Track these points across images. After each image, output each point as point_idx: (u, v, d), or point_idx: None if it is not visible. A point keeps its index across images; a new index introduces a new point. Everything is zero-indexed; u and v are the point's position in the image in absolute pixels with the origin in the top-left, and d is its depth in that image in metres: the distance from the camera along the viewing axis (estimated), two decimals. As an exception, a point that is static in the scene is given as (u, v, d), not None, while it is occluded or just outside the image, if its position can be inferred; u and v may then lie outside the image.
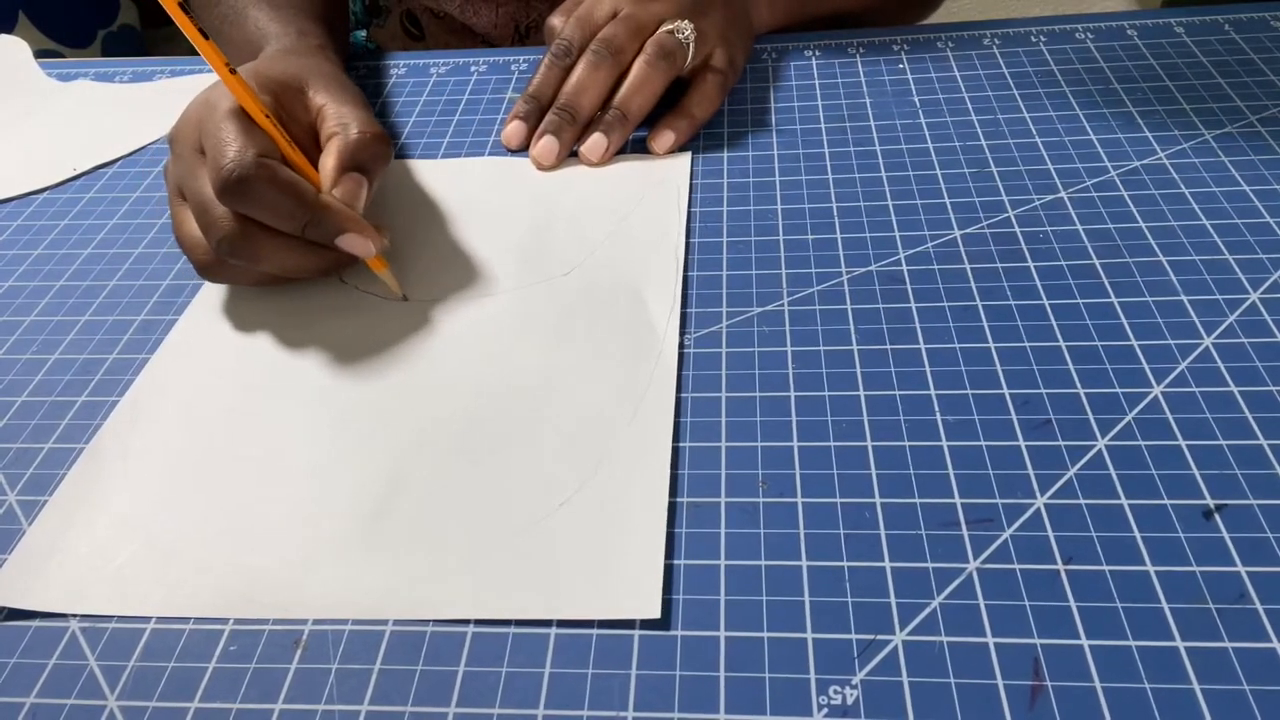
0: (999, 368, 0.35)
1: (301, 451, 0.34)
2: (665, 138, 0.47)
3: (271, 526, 0.32)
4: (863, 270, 0.40)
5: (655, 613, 0.28)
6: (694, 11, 0.48)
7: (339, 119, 0.40)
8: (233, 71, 0.36)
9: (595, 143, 0.46)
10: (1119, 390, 0.33)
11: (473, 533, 0.31)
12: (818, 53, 0.55)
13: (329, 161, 0.39)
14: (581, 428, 0.34)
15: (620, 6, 0.48)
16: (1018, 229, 0.41)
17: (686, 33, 0.47)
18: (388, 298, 0.40)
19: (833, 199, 0.44)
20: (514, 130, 0.48)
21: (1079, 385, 0.34)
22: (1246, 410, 0.32)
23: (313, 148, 0.41)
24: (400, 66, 0.58)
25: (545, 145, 0.47)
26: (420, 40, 0.70)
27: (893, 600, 0.28)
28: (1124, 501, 0.30)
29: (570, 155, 0.48)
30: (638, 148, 0.48)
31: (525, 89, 0.49)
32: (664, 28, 0.47)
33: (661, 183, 0.46)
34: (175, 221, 0.39)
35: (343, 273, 0.42)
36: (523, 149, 0.49)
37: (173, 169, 0.39)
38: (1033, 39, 0.54)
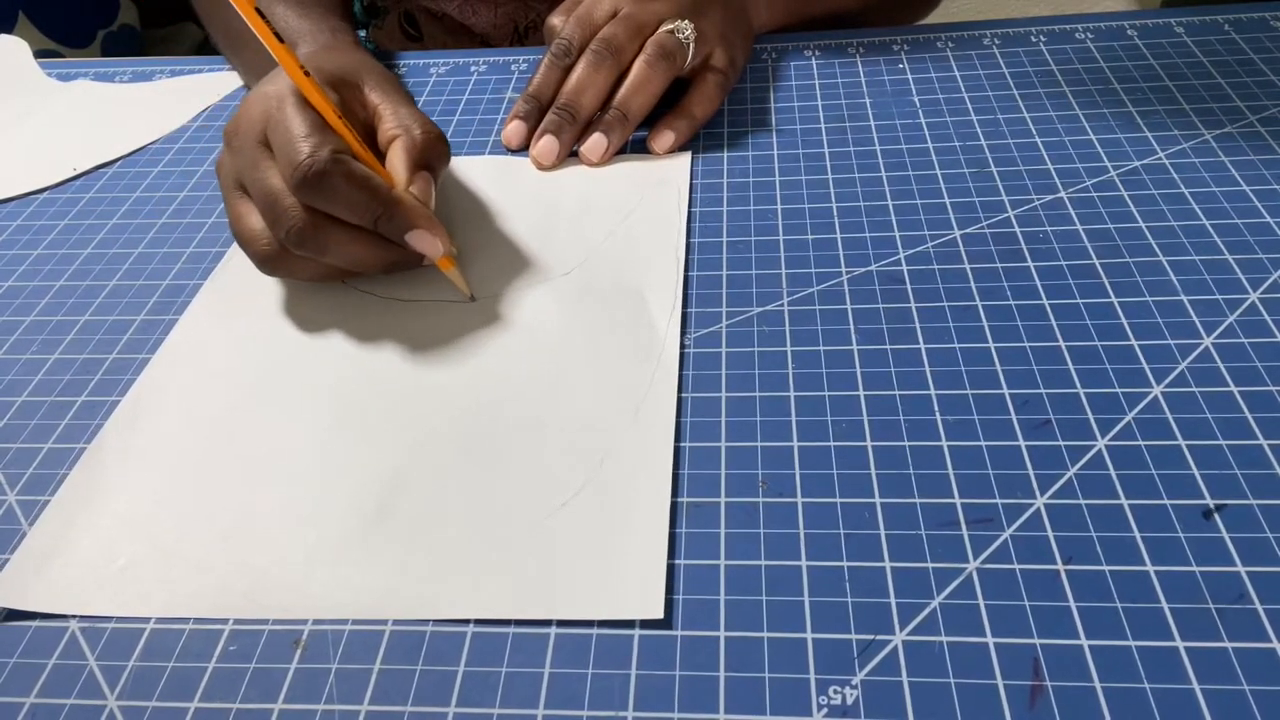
0: (999, 368, 0.35)
1: (302, 451, 0.34)
2: (665, 137, 0.47)
3: (273, 527, 0.32)
4: (862, 270, 0.40)
5: (658, 613, 0.28)
6: (694, 11, 0.48)
7: (399, 119, 0.41)
8: (306, 74, 0.37)
9: (595, 143, 0.46)
10: (1119, 390, 0.33)
11: (474, 533, 0.31)
12: (818, 53, 0.55)
13: (398, 160, 0.39)
14: (583, 428, 0.34)
15: (620, 6, 0.48)
16: (1018, 229, 0.41)
17: (687, 33, 0.47)
18: (456, 299, 0.40)
19: (832, 199, 0.44)
20: (514, 130, 0.48)
21: (1079, 385, 0.34)
22: (1246, 410, 0.32)
23: (368, 143, 0.41)
24: (401, 66, 0.58)
25: (545, 145, 0.47)
26: (418, 41, 0.70)
27: (892, 600, 0.28)
28: (1124, 501, 0.30)
29: (570, 155, 0.48)
30: (638, 148, 0.48)
31: (525, 89, 0.49)
32: (664, 27, 0.47)
33: (661, 182, 0.46)
34: (234, 215, 0.39)
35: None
36: (523, 149, 0.49)
37: (230, 163, 0.39)
38: (1033, 39, 0.54)
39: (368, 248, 0.38)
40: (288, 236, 0.36)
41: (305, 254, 0.37)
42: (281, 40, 0.36)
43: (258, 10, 0.35)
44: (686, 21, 0.47)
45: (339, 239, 0.37)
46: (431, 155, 0.40)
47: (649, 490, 0.32)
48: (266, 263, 0.38)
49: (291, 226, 0.36)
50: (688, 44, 0.47)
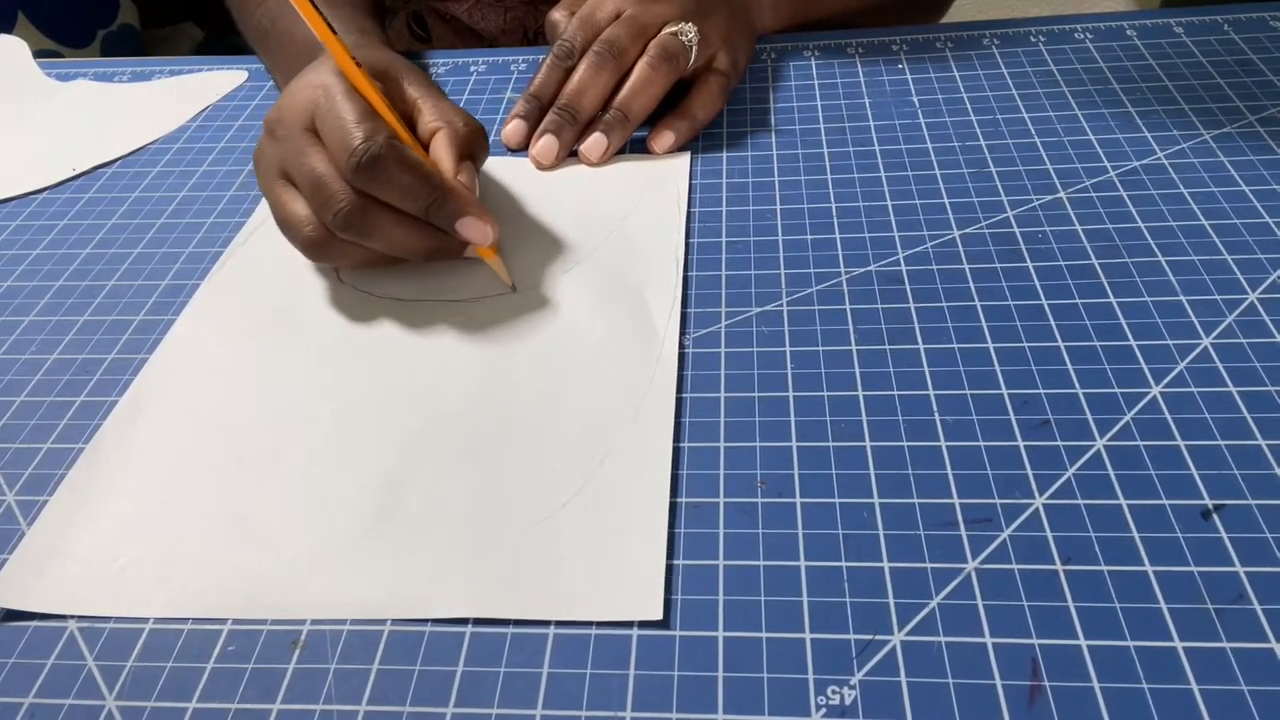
0: (998, 368, 0.35)
1: (302, 451, 0.34)
2: (665, 138, 0.47)
3: (274, 527, 0.32)
4: (861, 270, 0.40)
5: (657, 614, 0.28)
6: (697, 13, 0.48)
7: (440, 112, 0.42)
8: (358, 65, 0.38)
9: (595, 142, 0.46)
10: (1118, 390, 0.33)
11: (474, 533, 0.31)
12: (817, 53, 0.55)
13: (443, 151, 0.40)
14: (583, 428, 0.34)
15: (623, 7, 0.48)
16: (1016, 229, 0.41)
17: (690, 35, 0.47)
18: (497, 292, 0.40)
19: (832, 199, 0.44)
20: (514, 129, 0.48)
21: (1078, 385, 0.34)
22: (1245, 410, 0.32)
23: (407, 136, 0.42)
24: (400, 66, 0.58)
25: (545, 144, 0.47)
26: (426, 42, 0.70)
27: (891, 600, 0.28)
28: (1122, 502, 0.30)
29: (570, 155, 0.48)
30: (637, 147, 0.48)
31: (526, 88, 0.49)
32: (667, 29, 0.47)
33: (661, 182, 0.46)
34: (277, 201, 0.39)
35: (341, 271, 0.42)
36: (522, 148, 0.49)
37: (272, 150, 0.39)
38: (1032, 39, 0.54)
39: (412, 234, 0.38)
40: (336, 219, 0.37)
41: (351, 238, 0.38)
42: (334, 31, 0.37)
43: (312, 2, 0.37)
44: (690, 24, 0.47)
45: (385, 224, 0.37)
46: (474, 147, 0.42)
47: (648, 491, 0.32)
48: (311, 247, 0.38)
49: (341, 209, 0.36)
50: (690, 46, 0.47)
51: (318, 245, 0.38)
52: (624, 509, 0.31)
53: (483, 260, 0.41)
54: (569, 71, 0.47)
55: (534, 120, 0.48)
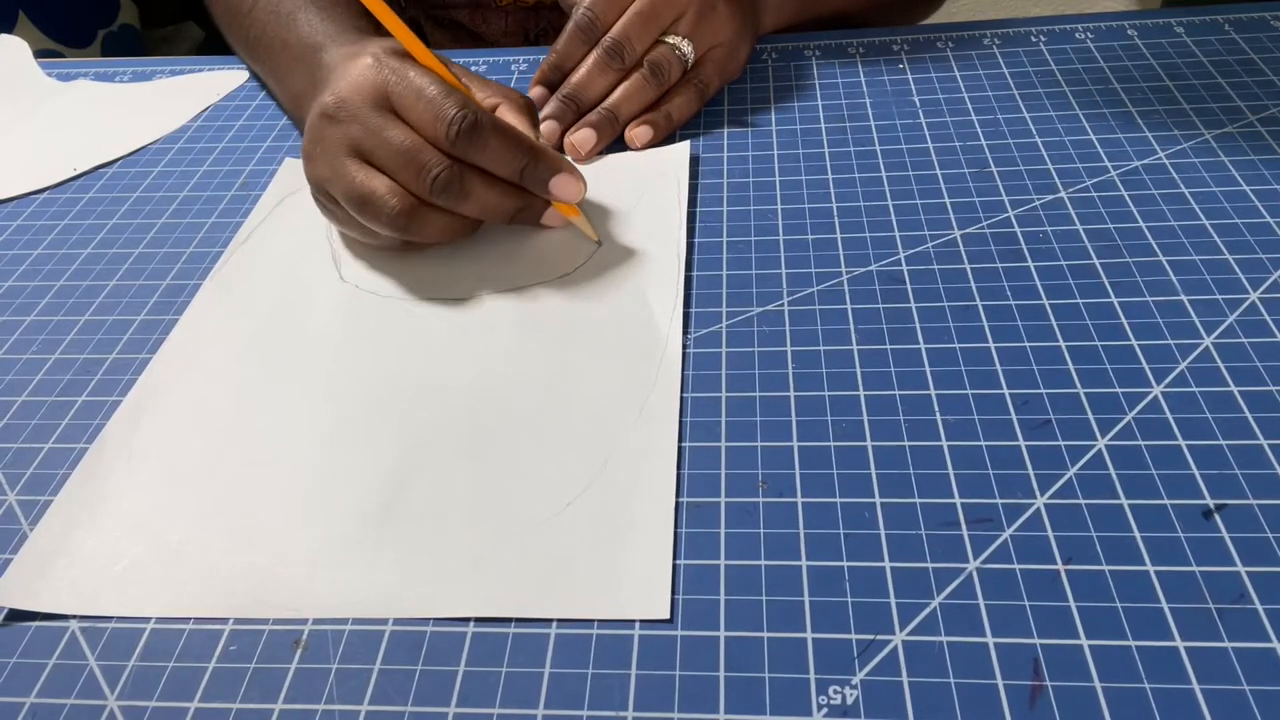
0: (999, 368, 0.35)
1: (306, 452, 0.34)
2: (643, 131, 0.48)
3: (277, 527, 0.32)
4: (862, 270, 0.40)
5: (664, 613, 0.28)
6: (707, 6, 0.48)
7: (490, 90, 0.44)
8: (425, 46, 0.40)
9: (585, 137, 0.48)
10: (1119, 390, 0.33)
11: (479, 532, 0.31)
12: (818, 53, 0.55)
13: (516, 120, 0.42)
14: (587, 427, 0.34)
15: None
16: (1018, 229, 0.41)
17: (685, 50, 0.48)
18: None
19: (832, 199, 0.44)
20: (538, 94, 0.50)
21: (1079, 385, 0.34)
22: (1246, 410, 0.32)
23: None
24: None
25: (547, 129, 0.49)
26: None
27: (892, 600, 0.28)
28: (1124, 501, 0.30)
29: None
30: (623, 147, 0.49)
31: (548, 56, 0.50)
32: (669, 39, 0.48)
33: (661, 176, 0.46)
34: (354, 180, 0.39)
35: (343, 271, 0.42)
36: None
37: (337, 132, 0.39)
38: (1033, 39, 0.54)
39: (503, 196, 0.40)
40: (435, 184, 0.38)
41: (446, 202, 0.39)
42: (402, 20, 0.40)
43: None
44: (687, 40, 0.48)
45: (478, 187, 0.39)
46: (532, 118, 0.44)
47: (653, 490, 0.32)
48: (399, 217, 0.39)
49: (439, 174, 0.38)
50: (685, 61, 0.48)
51: (405, 215, 0.39)
52: (629, 508, 0.31)
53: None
54: (589, 46, 0.48)
55: (553, 89, 0.50)
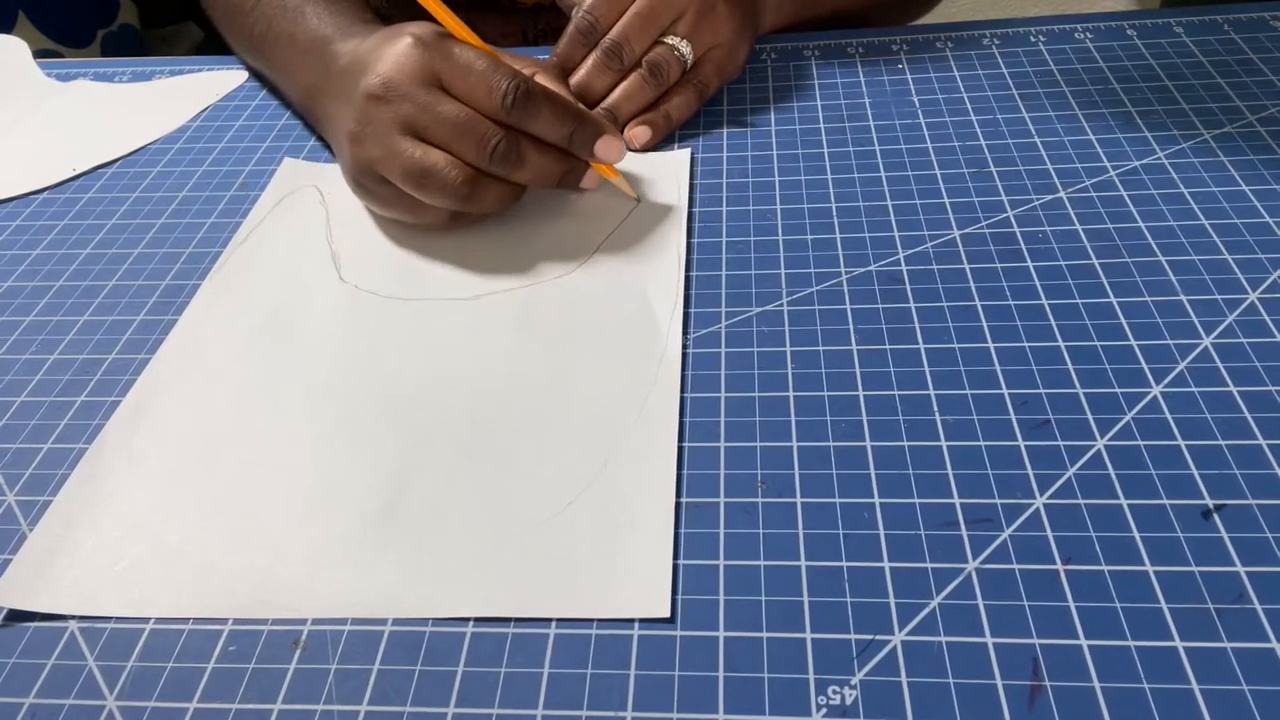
0: (998, 368, 0.35)
1: (306, 452, 0.34)
2: (642, 131, 0.48)
3: (277, 527, 0.32)
4: (862, 270, 0.40)
5: (665, 611, 0.28)
6: (707, 6, 0.48)
7: (521, 62, 0.46)
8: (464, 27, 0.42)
9: None
10: (1118, 390, 0.33)
11: (480, 532, 0.31)
12: (817, 53, 0.55)
13: (555, 86, 0.45)
14: (587, 427, 0.34)
15: None
16: (1017, 229, 0.41)
17: (684, 51, 0.48)
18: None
19: (832, 199, 0.44)
20: None
21: (1078, 385, 0.34)
22: (1245, 410, 0.32)
23: None
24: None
25: None
26: None
27: (892, 600, 0.28)
28: (1123, 501, 0.30)
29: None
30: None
31: (549, 59, 0.50)
32: (668, 40, 0.48)
33: (661, 179, 0.46)
34: (409, 156, 0.40)
35: (342, 271, 0.42)
36: None
37: (387, 112, 0.40)
38: (1032, 39, 0.54)
39: (553, 161, 0.42)
40: (494, 153, 0.40)
41: (502, 170, 0.41)
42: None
43: None
44: (687, 43, 0.48)
45: (531, 153, 0.41)
46: (567, 85, 0.48)
47: (654, 489, 0.32)
48: (464, 186, 0.40)
49: (497, 143, 0.40)
50: (684, 62, 0.48)
51: (468, 185, 0.40)
52: (629, 507, 0.31)
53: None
54: (589, 49, 0.49)
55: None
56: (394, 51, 0.41)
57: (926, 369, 0.35)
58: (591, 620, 0.28)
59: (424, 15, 0.43)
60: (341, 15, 0.49)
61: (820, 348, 0.36)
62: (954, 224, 0.42)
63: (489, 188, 0.41)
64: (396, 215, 0.43)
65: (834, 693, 0.26)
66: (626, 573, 0.29)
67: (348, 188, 0.46)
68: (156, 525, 0.32)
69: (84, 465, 0.35)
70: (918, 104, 0.50)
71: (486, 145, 0.40)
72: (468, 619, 0.29)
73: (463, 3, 0.65)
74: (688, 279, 0.40)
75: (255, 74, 0.58)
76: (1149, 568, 0.28)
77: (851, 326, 0.37)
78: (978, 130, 0.47)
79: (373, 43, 0.43)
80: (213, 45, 0.99)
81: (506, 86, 0.39)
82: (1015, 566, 0.29)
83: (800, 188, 0.45)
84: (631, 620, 0.28)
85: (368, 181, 0.42)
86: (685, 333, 0.38)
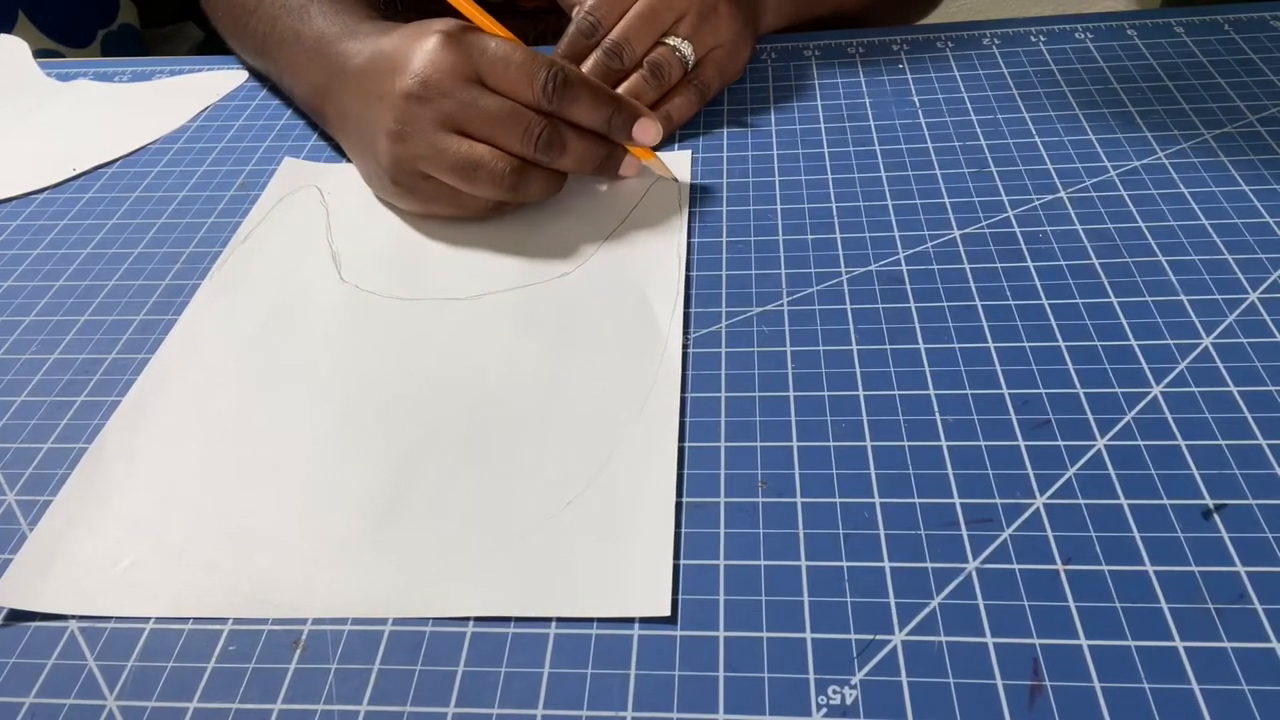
0: (998, 368, 0.35)
1: (307, 451, 0.34)
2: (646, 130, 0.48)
3: (277, 526, 0.32)
4: (862, 270, 0.40)
5: (665, 610, 0.28)
6: (708, 7, 0.48)
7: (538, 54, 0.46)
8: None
9: None
10: (1118, 390, 0.33)
11: (481, 531, 0.31)
12: (818, 53, 0.55)
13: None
14: (587, 426, 0.34)
15: None
16: (1017, 229, 0.41)
17: (685, 52, 0.48)
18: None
19: (832, 199, 0.44)
20: None
21: (1078, 385, 0.34)
22: (1246, 410, 0.32)
23: None
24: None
25: None
26: None
27: (892, 600, 0.28)
28: (1123, 501, 0.30)
29: None
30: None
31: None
32: (669, 41, 0.48)
33: (662, 180, 0.46)
34: (455, 151, 0.41)
35: (342, 271, 0.42)
36: None
37: (428, 110, 0.41)
38: (1032, 39, 0.54)
39: (592, 147, 0.43)
40: (539, 141, 0.41)
41: (547, 159, 0.41)
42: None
43: None
44: (689, 44, 0.48)
45: (572, 140, 0.42)
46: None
47: (654, 488, 0.32)
48: (513, 176, 0.41)
49: (542, 131, 0.41)
50: (685, 63, 0.48)
51: (516, 175, 0.41)
52: (630, 506, 0.31)
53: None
54: (590, 49, 0.49)
55: None
56: (425, 49, 0.41)
57: (927, 369, 0.35)
58: (591, 620, 0.28)
59: (433, 12, 0.43)
60: (348, 14, 0.49)
61: (820, 348, 0.36)
62: (954, 224, 0.42)
63: (534, 176, 0.42)
64: (436, 210, 0.44)
65: (834, 693, 0.26)
66: (626, 572, 0.29)
67: (349, 188, 0.46)
68: (156, 525, 0.32)
69: (84, 465, 0.35)
70: (918, 104, 0.50)
71: (530, 135, 0.40)
72: (468, 619, 0.29)
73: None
74: (688, 279, 0.40)
75: (257, 74, 0.58)
76: (1149, 568, 0.28)
77: (852, 326, 0.37)
78: (978, 130, 0.47)
79: (395, 41, 0.43)
80: (213, 45, 0.99)
81: (545, 75, 0.40)
82: (1015, 566, 0.29)
83: (800, 188, 0.45)
84: (631, 620, 0.28)
85: (408, 179, 0.42)
86: (685, 332, 0.38)
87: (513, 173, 0.41)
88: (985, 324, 0.36)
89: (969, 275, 0.39)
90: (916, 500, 0.31)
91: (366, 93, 0.43)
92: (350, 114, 0.45)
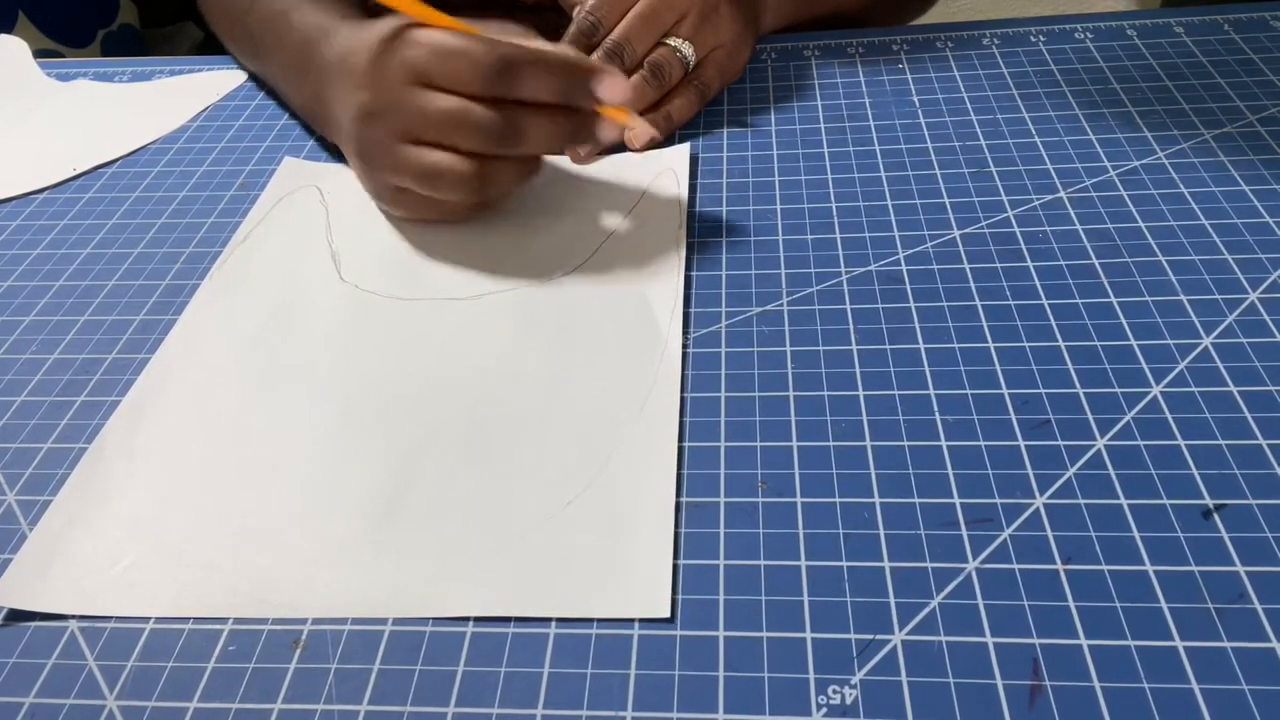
0: (998, 368, 0.35)
1: (307, 451, 0.34)
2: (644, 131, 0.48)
3: (280, 526, 0.32)
4: (862, 270, 0.40)
5: (664, 611, 0.28)
6: (709, 8, 0.48)
7: (493, 31, 0.44)
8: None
9: None
10: (1118, 390, 0.33)
11: (481, 531, 0.31)
12: (817, 53, 0.55)
13: (538, 41, 0.42)
14: (587, 426, 0.34)
15: None
16: (1017, 229, 0.41)
17: (686, 53, 0.48)
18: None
19: (832, 199, 0.44)
20: None
21: (1078, 385, 0.34)
22: (1245, 410, 0.32)
23: None
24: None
25: None
26: None
27: (892, 600, 0.28)
28: (1123, 501, 0.30)
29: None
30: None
31: None
32: (670, 42, 0.48)
33: (661, 176, 0.46)
34: (416, 160, 0.40)
35: (342, 271, 0.42)
36: None
37: (382, 126, 0.40)
38: (1032, 39, 0.54)
39: (555, 122, 0.40)
40: (492, 131, 0.38)
41: (507, 148, 0.39)
42: None
43: None
44: (689, 44, 0.48)
45: (531, 121, 0.39)
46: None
47: (654, 488, 0.32)
48: (474, 178, 0.39)
49: (492, 123, 0.38)
50: (686, 63, 0.48)
51: (477, 175, 0.39)
52: (630, 507, 0.31)
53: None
54: (590, 49, 0.48)
55: None
56: (360, 63, 0.40)
57: (926, 369, 0.35)
58: (591, 620, 0.28)
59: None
60: (325, 14, 0.49)
61: (820, 347, 0.36)
62: (954, 224, 0.42)
63: (499, 169, 0.40)
64: (423, 215, 0.43)
65: (834, 692, 0.26)
66: (626, 572, 0.29)
67: (348, 187, 0.46)
68: (156, 525, 0.32)
69: (84, 465, 0.35)
70: (918, 104, 0.50)
71: (478, 130, 0.38)
72: (467, 619, 0.29)
73: (464, 3, 0.65)
74: (688, 279, 0.40)
75: (256, 75, 0.58)
76: (1149, 567, 0.28)
77: (851, 326, 0.37)
78: (978, 130, 0.47)
79: (351, 46, 0.42)
80: (212, 45, 0.99)
81: (483, 59, 0.38)
82: (1015, 566, 0.29)
83: (800, 188, 0.45)
84: (631, 620, 0.28)
85: (385, 191, 0.43)
86: (685, 332, 0.38)
87: (474, 174, 0.39)
88: (985, 324, 0.36)
89: (969, 275, 0.39)
90: (916, 500, 0.31)
91: (337, 103, 0.43)
92: (333, 122, 0.45)
